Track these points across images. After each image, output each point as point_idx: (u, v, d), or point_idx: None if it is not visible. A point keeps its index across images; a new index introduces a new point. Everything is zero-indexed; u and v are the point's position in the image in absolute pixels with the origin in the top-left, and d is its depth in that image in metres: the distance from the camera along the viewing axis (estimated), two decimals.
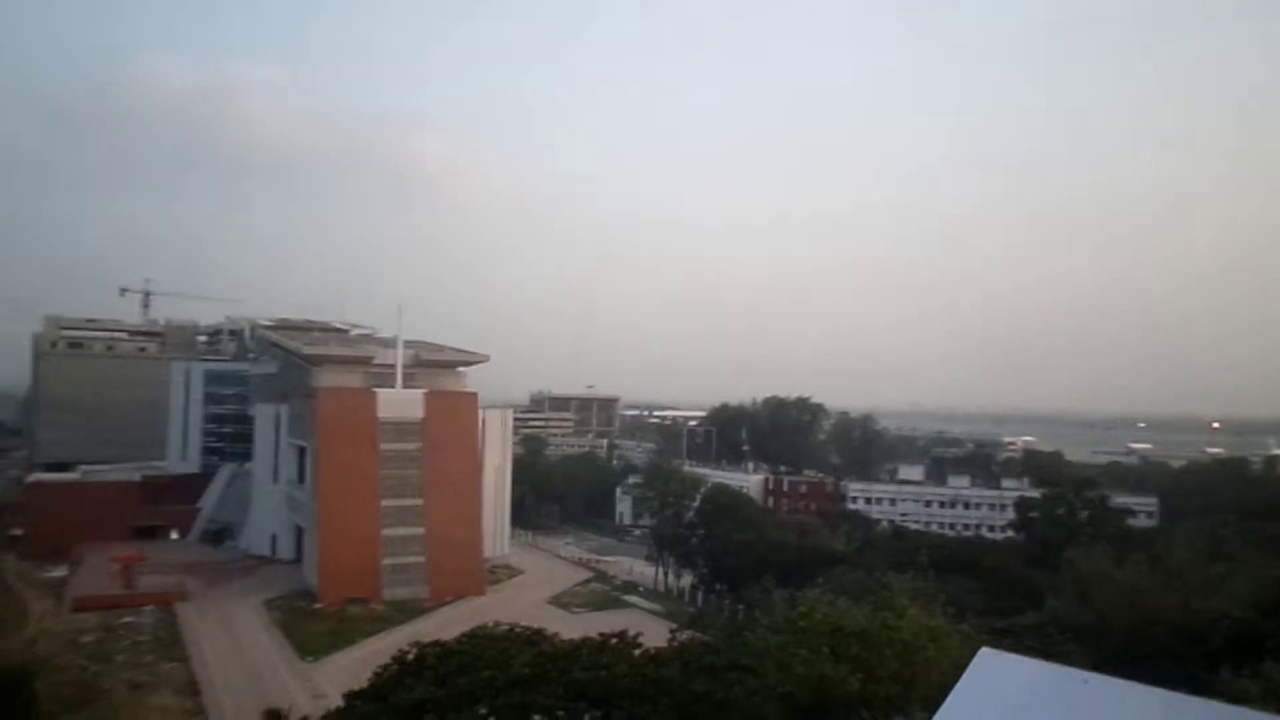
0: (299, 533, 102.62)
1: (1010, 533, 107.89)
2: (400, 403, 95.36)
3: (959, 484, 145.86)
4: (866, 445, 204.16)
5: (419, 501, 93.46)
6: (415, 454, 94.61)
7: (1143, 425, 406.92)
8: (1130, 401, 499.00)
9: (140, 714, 58.35)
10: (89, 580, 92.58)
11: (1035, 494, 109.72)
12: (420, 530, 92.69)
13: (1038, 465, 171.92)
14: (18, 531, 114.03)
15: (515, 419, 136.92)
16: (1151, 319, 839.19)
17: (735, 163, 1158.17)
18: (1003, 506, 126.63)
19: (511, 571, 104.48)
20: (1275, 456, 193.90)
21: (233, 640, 75.29)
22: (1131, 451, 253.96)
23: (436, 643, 40.39)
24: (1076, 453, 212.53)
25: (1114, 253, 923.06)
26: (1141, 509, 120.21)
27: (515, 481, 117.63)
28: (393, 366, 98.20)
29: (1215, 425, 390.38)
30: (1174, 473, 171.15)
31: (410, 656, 39.37)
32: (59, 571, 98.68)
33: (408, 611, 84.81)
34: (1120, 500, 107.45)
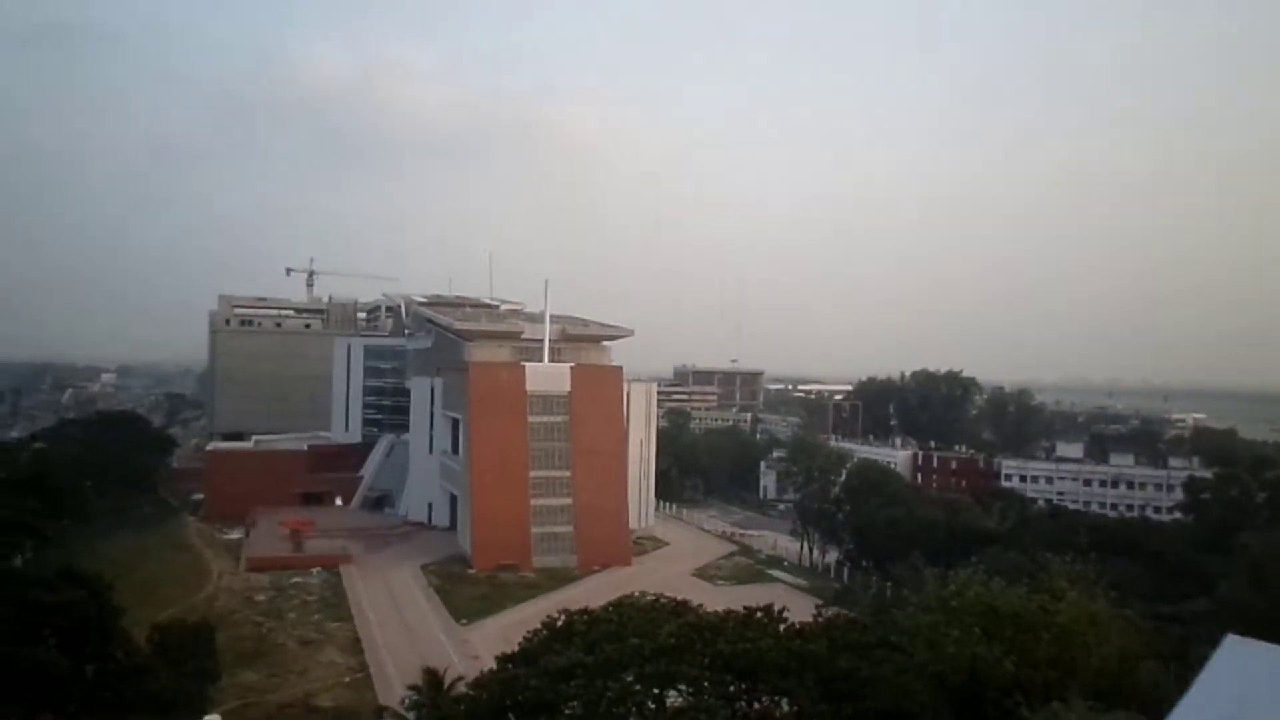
0: (453, 500, 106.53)
1: (1178, 515, 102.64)
2: (548, 376, 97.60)
3: (1122, 462, 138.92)
4: (1021, 421, 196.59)
5: (566, 473, 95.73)
6: (562, 426, 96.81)
7: None
8: None
9: (310, 667, 62.05)
10: (262, 542, 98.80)
11: (1206, 474, 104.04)
12: (568, 501, 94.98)
13: (1209, 444, 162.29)
14: (199, 496, 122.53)
15: (659, 393, 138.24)
16: None
17: (884, 137, 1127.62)
18: (1170, 487, 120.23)
19: (657, 543, 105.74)
20: None
21: (393, 602, 79.08)
22: None
23: (584, 610, 41.29)
24: (1253, 430, 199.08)
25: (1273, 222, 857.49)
26: None
27: (659, 455, 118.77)
28: (540, 341, 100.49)
29: None
30: None
31: (559, 623, 40.39)
32: (235, 534, 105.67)
33: (557, 579, 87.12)
34: None
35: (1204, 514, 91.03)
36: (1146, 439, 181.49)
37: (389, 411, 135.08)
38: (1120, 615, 35.41)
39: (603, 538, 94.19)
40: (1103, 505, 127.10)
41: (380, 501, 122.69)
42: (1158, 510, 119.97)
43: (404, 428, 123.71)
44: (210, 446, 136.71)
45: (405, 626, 72.21)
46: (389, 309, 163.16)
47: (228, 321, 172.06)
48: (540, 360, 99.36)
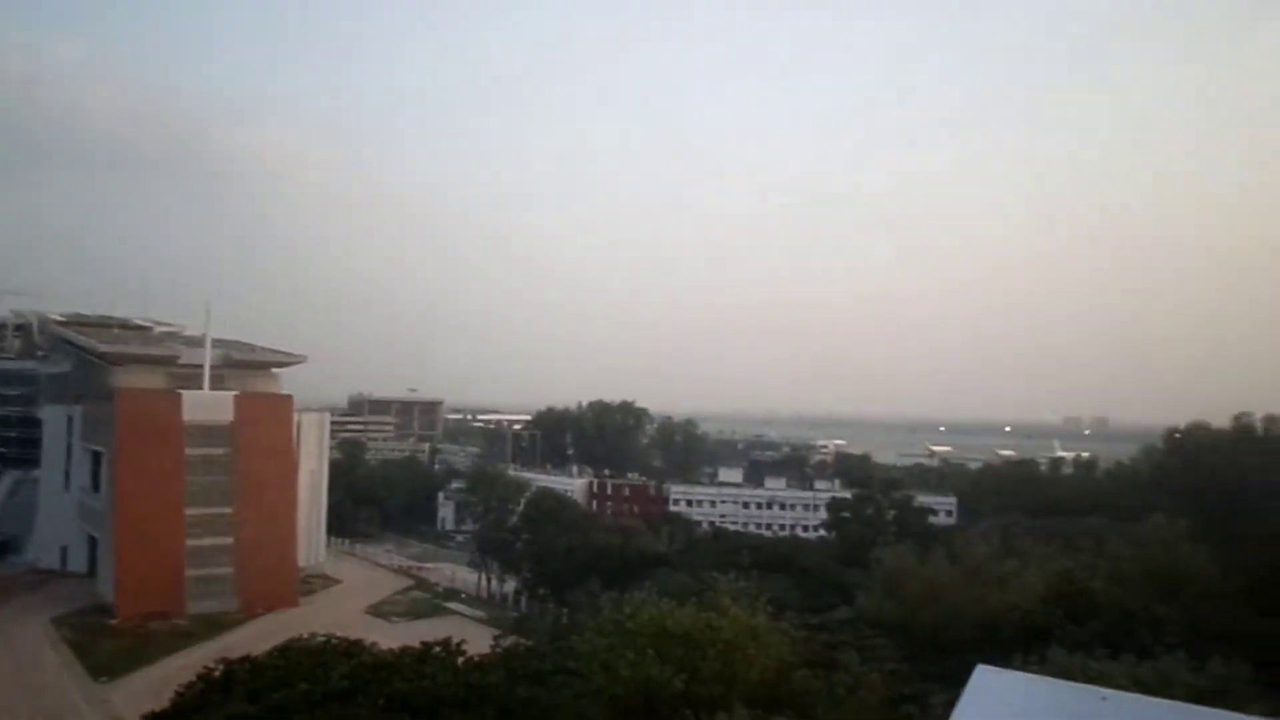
0: (93, 544, 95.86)
1: (823, 532, 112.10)
2: (208, 405, 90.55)
3: (775, 485, 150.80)
4: (688, 449, 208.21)
5: (228, 510, 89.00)
6: (224, 459, 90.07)
7: (943, 429, 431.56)
8: (932, 406, 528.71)
9: None
10: None
11: (846, 495, 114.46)
12: (229, 540, 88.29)
13: (848, 467, 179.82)
14: None
15: (333, 423, 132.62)
16: (953, 328, 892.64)
17: (567, 164, 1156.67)
18: (816, 507, 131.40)
19: (327, 581, 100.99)
20: (1059, 458, 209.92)
21: (13, 660, 69.46)
22: (933, 454, 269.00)
23: (246, 658, 38.53)
24: (884, 455, 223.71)
25: (921, 266, 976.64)
26: (942, 508, 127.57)
27: (332, 487, 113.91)
28: (201, 366, 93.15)
29: (1007, 429, 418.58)
30: (971, 474, 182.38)
31: (218, 673, 37.44)
32: None
33: (215, 625, 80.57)
34: (923, 500, 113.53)
35: (844, 531, 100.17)
36: (796, 464, 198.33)
37: (14, 445, 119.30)
38: (777, 627, 38.00)
39: (268, 578, 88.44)
40: (759, 525, 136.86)
41: (2, 548, 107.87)
42: (806, 529, 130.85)
43: (33, 463, 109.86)
44: None
45: (28, 687, 63.60)
46: (18, 327, 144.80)
47: None
48: (200, 388, 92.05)
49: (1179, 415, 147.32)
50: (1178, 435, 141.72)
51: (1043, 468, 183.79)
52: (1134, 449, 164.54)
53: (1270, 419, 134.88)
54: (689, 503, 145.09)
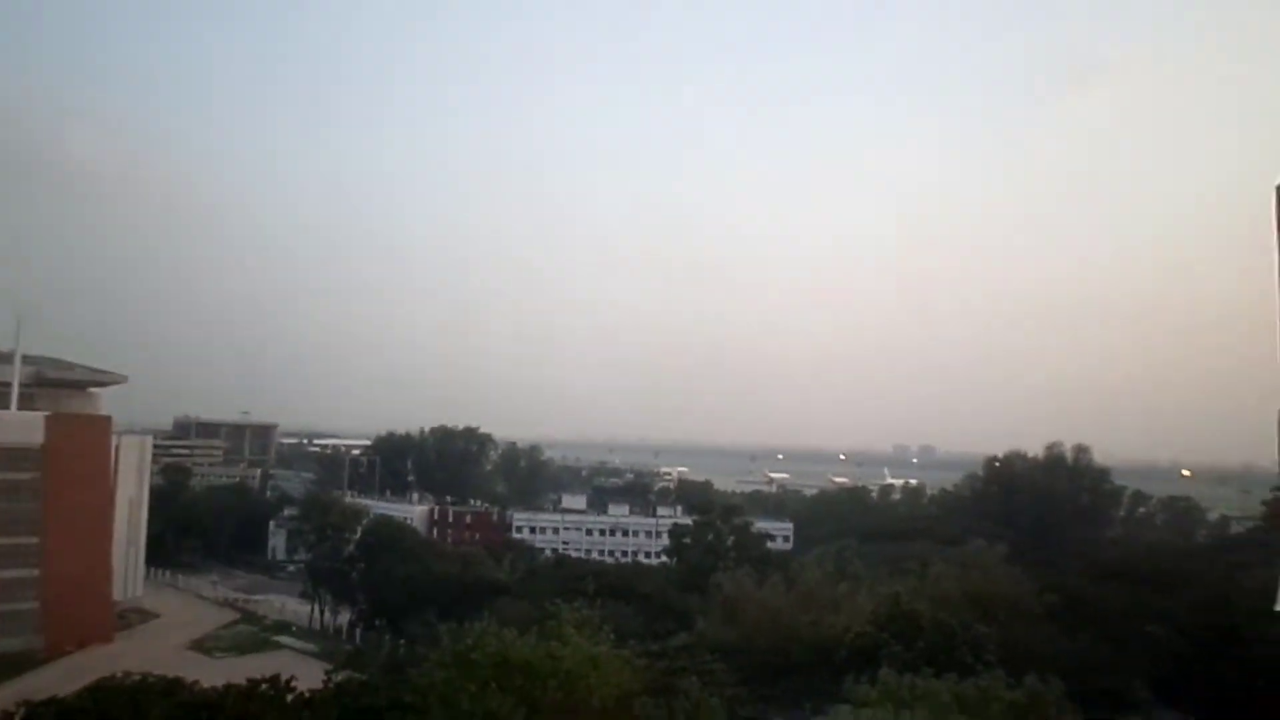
0: None
1: (665, 558, 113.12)
2: (16, 426, 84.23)
3: (619, 512, 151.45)
4: (532, 475, 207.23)
5: (35, 540, 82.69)
6: (32, 485, 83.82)
7: (781, 457, 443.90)
8: (771, 435, 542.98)
9: None
10: None
11: (688, 521, 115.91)
12: (35, 572, 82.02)
13: (690, 494, 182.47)
14: None
15: (156, 446, 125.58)
16: (791, 360, 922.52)
17: (412, 173, 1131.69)
18: (658, 533, 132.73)
19: (145, 615, 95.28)
20: (889, 485, 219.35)
21: None
22: (771, 481, 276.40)
23: (52, 699, 35.79)
24: (724, 482, 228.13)
25: (757, 297, 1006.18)
26: (779, 533, 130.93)
27: (153, 515, 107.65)
28: (9, 384, 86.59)
29: (841, 456, 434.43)
30: (807, 500, 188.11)
31: (18, 717, 34.59)
32: None
33: (17, 665, 74.42)
34: (761, 526, 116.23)
35: (685, 557, 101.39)
36: (639, 490, 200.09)
37: None
38: (619, 655, 38.00)
39: (78, 613, 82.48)
40: (603, 552, 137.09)
41: None
42: (649, 555, 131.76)
43: None
44: None
45: None
46: None
47: None
48: (8, 407, 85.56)
49: (999, 445, 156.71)
50: (997, 463, 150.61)
51: (874, 494, 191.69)
52: (957, 476, 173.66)
53: (1079, 449, 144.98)
54: (532, 530, 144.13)
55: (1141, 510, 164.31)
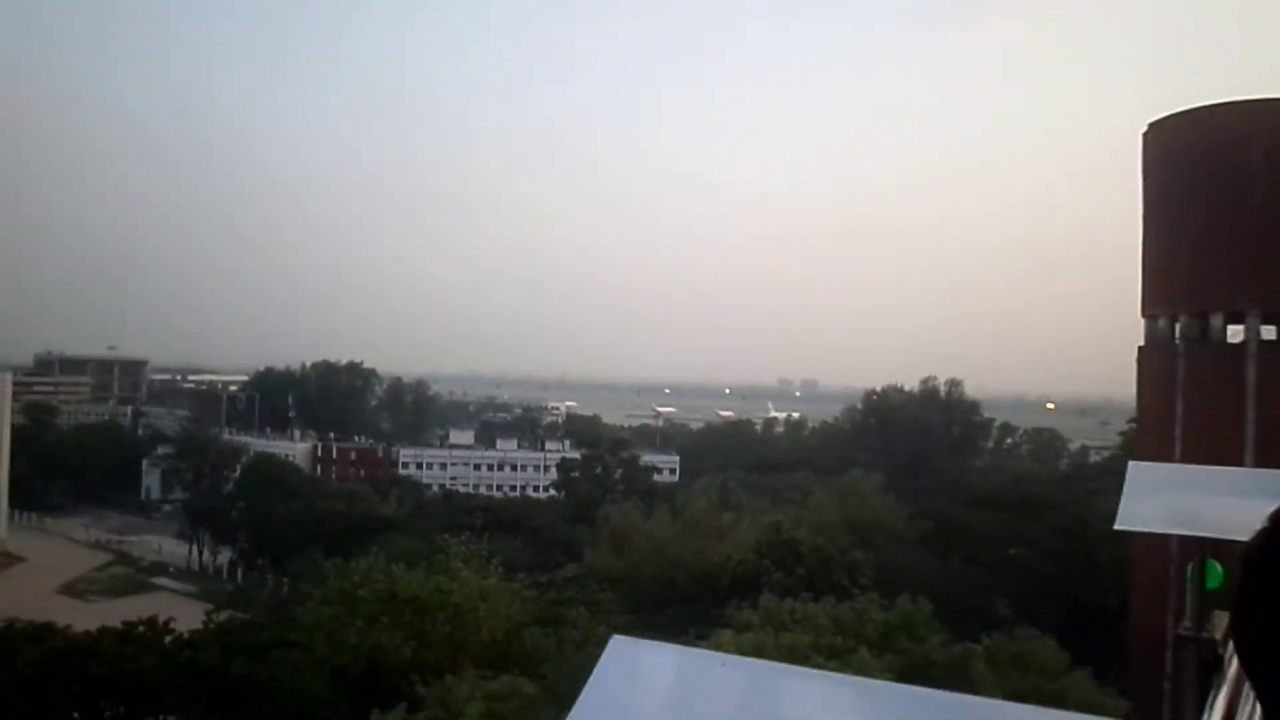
0: None
1: (554, 492, 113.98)
2: None
3: (507, 447, 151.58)
4: (419, 411, 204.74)
5: None
6: None
7: (668, 391, 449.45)
8: (658, 369, 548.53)
9: None
10: None
11: (576, 455, 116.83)
12: None
13: (578, 428, 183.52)
14: None
15: (16, 384, 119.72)
16: (678, 294, 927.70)
17: (292, 93, 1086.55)
18: (547, 468, 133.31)
19: (10, 559, 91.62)
20: (772, 418, 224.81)
21: None
22: (658, 415, 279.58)
23: None
24: (612, 417, 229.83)
25: (646, 231, 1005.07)
26: (666, 466, 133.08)
27: (15, 456, 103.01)
28: None
29: (727, 391, 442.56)
30: (693, 434, 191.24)
31: None
32: None
33: None
34: (648, 459, 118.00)
35: (574, 490, 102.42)
36: (528, 425, 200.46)
37: None
38: (507, 588, 38.38)
39: None
40: (491, 487, 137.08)
41: None
42: (537, 489, 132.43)
43: None
44: None
45: None
46: None
47: None
48: None
49: (878, 379, 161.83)
50: (874, 397, 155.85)
51: (758, 427, 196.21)
52: (839, 409, 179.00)
53: (952, 383, 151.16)
54: (419, 466, 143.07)
55: (1009, 441, 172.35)
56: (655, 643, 3.70)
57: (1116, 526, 6.27)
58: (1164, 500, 6.51)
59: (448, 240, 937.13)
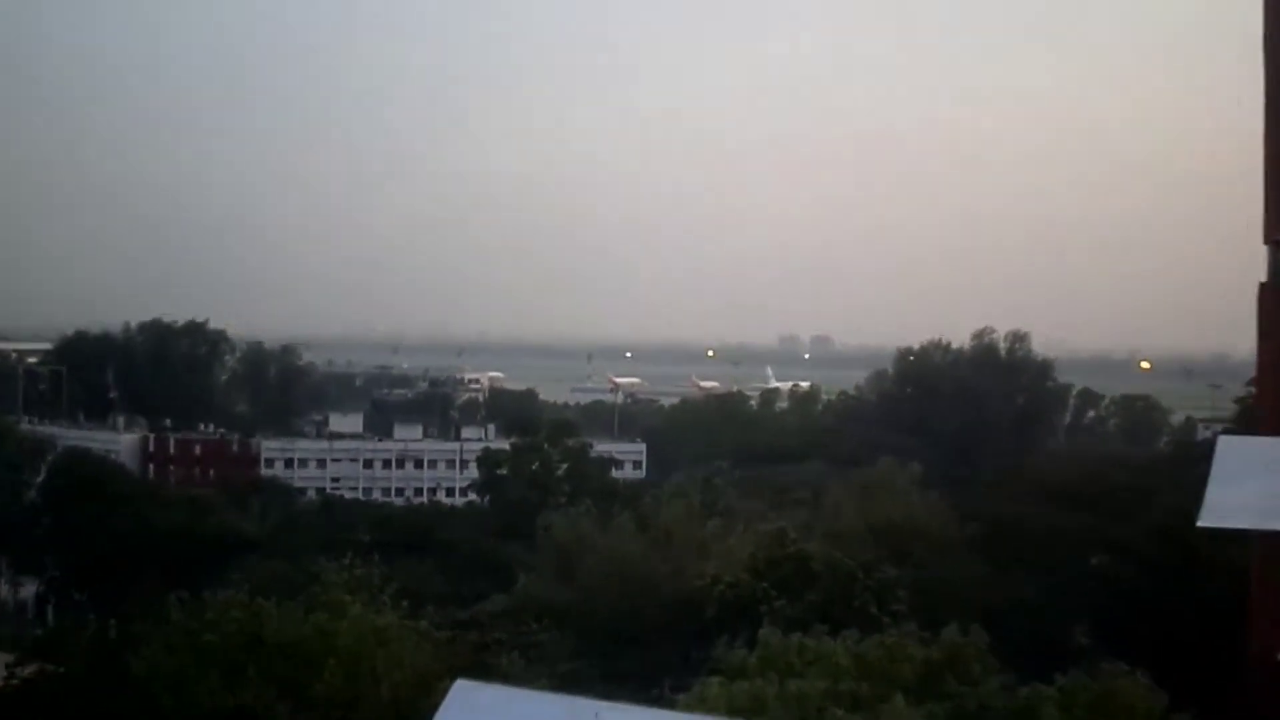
0: None
1: (474, 496, 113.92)
2: None
3: (408, 435, 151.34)
4: (286, 387, 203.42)
5: None
6: None
7: (630, 355, 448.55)
8: (616, 326, 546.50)
9: None
10: None
11: (504, 445, 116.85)
12: None
13: (507, 407, 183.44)
14: None
15: None
16: (638, 230, 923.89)
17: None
18: (464, 463, 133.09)
19: None
20: (772, 389, 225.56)
21: None
22: (617, 388, 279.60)
23: None
24: (554, 391, 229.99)
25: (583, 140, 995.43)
26: (629, 458, 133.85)
27: None
28: None
29: (710, 354, 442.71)
30: (665, 412, 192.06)
31: None
32: None
33: None
34: (604, 448, 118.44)
35: (501, 493, 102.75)
36: (437, 404, 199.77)
37: None
38: (413, 628, 38.43)
39: None
40: (388, 491, 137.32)
41: None
42: (451, 493, 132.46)
43: None
44: None
45: None
46: None
47: None
48: None
49: (913, 335, 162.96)
50: (911, 358, 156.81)
51: (753, 402, 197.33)
52: (862, 375, 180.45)
53: (1015, 337, 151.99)
54: (289, 463, 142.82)
55: (1091, 414, 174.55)
56: (504, 688, 3.88)
57: (1201, 522, 6.35)
58: (1266, 486, 6.50)
59: (327, 157, 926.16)
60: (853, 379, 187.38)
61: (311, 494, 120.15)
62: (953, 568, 59.00)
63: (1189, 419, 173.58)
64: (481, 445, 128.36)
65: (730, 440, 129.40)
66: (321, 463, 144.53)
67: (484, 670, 37.56)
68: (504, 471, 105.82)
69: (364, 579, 40.61)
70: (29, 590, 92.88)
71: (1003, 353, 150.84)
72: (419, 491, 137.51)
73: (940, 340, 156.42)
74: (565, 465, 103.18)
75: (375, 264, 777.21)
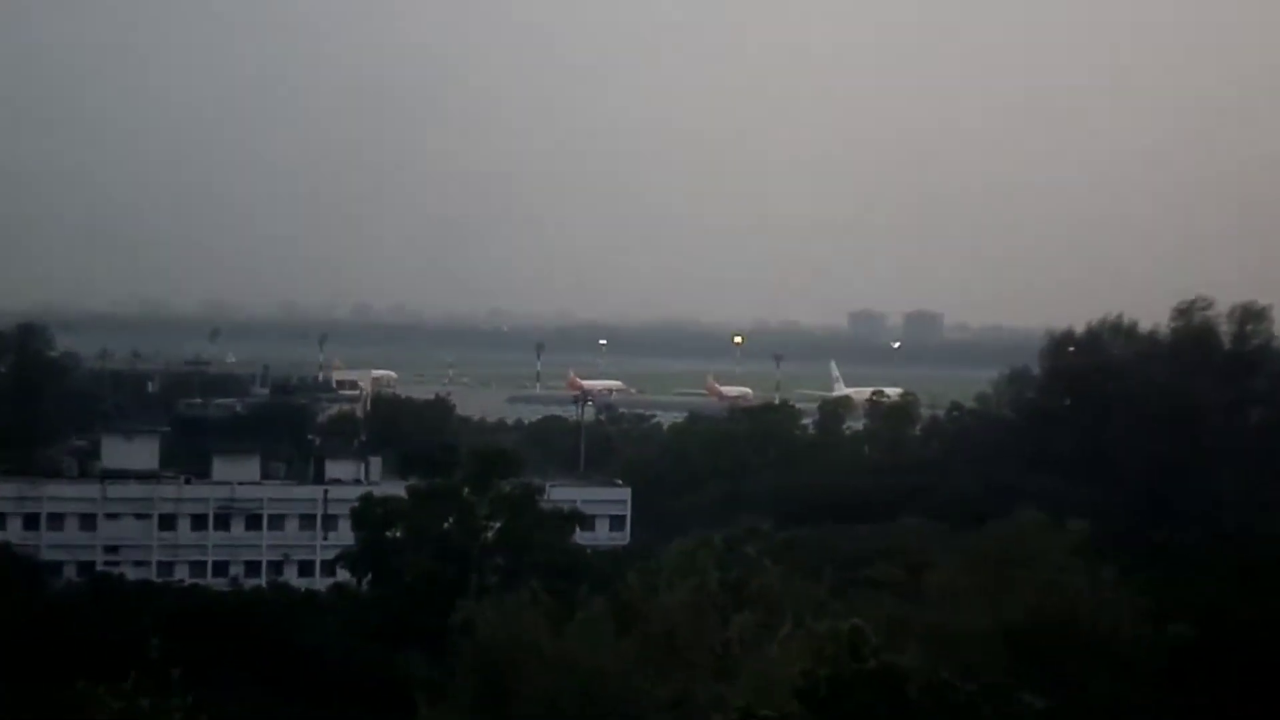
0: None
1: (347, 573, 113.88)
2: None
3: (236, 474, 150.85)
4: (30, 391, 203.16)
5: None
6: None
7: (604, 342, 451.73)
8: (588, 302, 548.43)
9: None
10: None
11: (398, 490, 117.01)
12: None
13: (402, 427, 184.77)
14: None
15: None
16: (621, 163, 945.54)
17: None
18: (332, 517, 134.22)
19: None
20: (838, 399, 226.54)
21: None
22: (584, 394, 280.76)
23: None
24: (480, 399, 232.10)
25: None
26: (604, 510, 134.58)
27: None
28: None
29: (738, 340, 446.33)
30: (664, 435, 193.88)
31: None
32: None
33: None
34: (564, 495, 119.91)
35: (392, 569, 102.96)
36: (285, 422, 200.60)
37: None
38: None
39: None
40: (199, 567, 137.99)
41: None
42: (308, 568, 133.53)
43: None
44: None
45: None
46: None
47: None
48: None
49: (1065, 312, 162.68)
50: (1071, 348, 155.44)
51: (806, 421, 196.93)
52: (988, 374, 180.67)
53: (1247, 311, 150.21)
54: (31, 520, 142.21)
55: None
56: None
57: None
58: None
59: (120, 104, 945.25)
60: (975, 380, 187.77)
61: (71, 571, 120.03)
62: (1140, 694, 58.92)
63: None
64: (359, 490, 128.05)
65: (770, 481, 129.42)
66: (89, 520, 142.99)
67: None
68: (396, 534, 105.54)
69: (157, 710, 40.40)
70: None
71: (1226, 335, 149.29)
72: (253, 568, 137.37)
73: (1121, 318, 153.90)
74: (499, 523, 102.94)
75: (176, 211, 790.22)
